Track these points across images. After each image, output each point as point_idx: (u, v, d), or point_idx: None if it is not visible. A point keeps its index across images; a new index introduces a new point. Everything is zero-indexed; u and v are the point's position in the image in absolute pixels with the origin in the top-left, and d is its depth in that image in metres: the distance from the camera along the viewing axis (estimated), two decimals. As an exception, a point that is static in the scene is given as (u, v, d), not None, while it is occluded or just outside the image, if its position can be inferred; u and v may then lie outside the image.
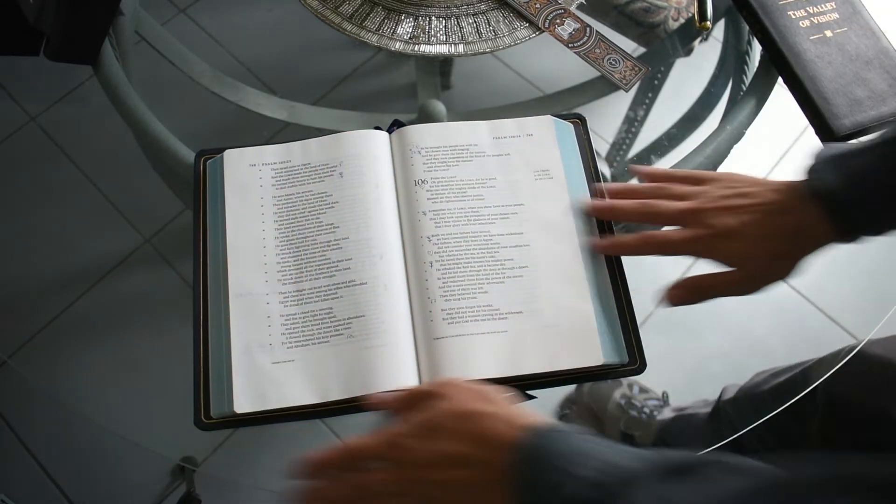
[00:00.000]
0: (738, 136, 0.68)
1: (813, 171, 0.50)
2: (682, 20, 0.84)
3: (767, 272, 0.51)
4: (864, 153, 0.49)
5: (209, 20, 1.34)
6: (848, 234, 0.49)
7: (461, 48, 0.68)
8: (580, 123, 0.61)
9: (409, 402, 0.46)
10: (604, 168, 0.98)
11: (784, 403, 0.63)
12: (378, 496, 0.43)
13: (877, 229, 0.49)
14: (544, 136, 0.60)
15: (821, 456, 0.38)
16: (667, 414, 0.97)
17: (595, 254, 0.55)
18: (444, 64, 1.12)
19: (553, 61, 1.21)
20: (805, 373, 0.74)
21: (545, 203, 0.57)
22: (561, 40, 0.69)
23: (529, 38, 0.69)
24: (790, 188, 0.50)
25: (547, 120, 0.60)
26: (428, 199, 0.56)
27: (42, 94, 1.28)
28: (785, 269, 0.51)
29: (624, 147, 1.08)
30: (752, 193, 0.51)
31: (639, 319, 0.54)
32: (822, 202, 0.48)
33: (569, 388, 1.04)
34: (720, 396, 0.88)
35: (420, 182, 0.57)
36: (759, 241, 0.50)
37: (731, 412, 0.84)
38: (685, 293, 0.53)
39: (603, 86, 0.70)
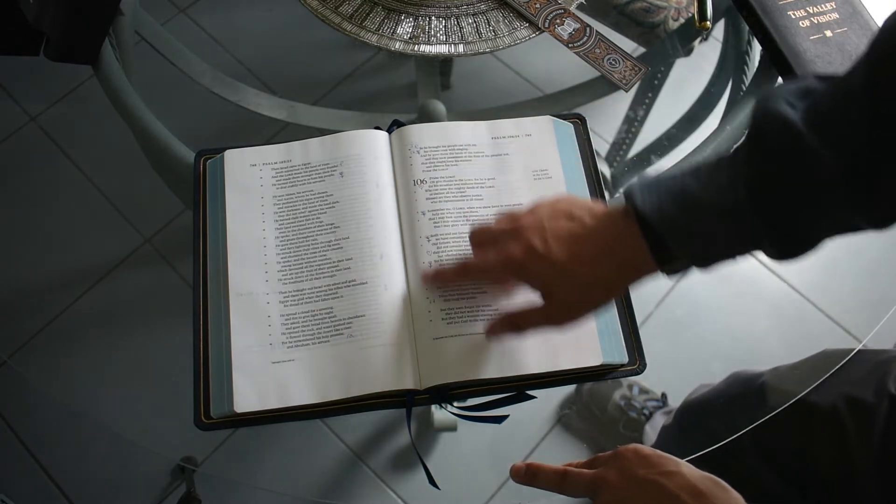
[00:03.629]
0: (738, 136, 0.68)
1: (628, 192, 0.45)
2: (682, 20, 0.84)
3: (580, 301, 0.48)
4: (680, 175, 0.44)
5: (209, 20, 1.34)
6: (666, 260, 0.44)
7: (461, 48, 0.68)
8: (580, 123, 0.61)
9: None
10: (604, 168, 0.98)
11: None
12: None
13: (698, 256, 0.44)
14: (543, 136, 0.60)
15: None
16: (657, 418, 0.98)
17: None
18: (444, 64, 1.12)
19: (553, 61, 1.21)
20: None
21: None
22: (561, 40, 0.69)
23: (529, 38, 0.69)
24: (609, 214, 0.46)
25: (546, 120, 0.60)
26: (427, 198, 0.56)
27: (42, 94, 1.28)
28: (600, 298, 0.48)
29: (624, 147, 1.08)
30: (577, 216, 0.47)
31: (639, 319, 0.54)
32: (637, 224, 0.44)
33: (569, 389, 1.05)
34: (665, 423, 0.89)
35: (419, 182, 0.57)
36: (573, 267, 0.46)
37: (668, 437, 0.86)
38: (502, 330, 0.50)
39: (603, 86, 0.70)
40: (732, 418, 0.65)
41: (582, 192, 0.58)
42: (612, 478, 0.45)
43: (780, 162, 0.40)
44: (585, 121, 0.61)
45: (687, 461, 0.46)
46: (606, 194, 0.58)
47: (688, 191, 0.43)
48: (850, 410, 0.62)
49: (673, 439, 0.83)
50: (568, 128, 0.61)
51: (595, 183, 0.58)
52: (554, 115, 0.61)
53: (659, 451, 0.46)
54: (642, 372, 0.53)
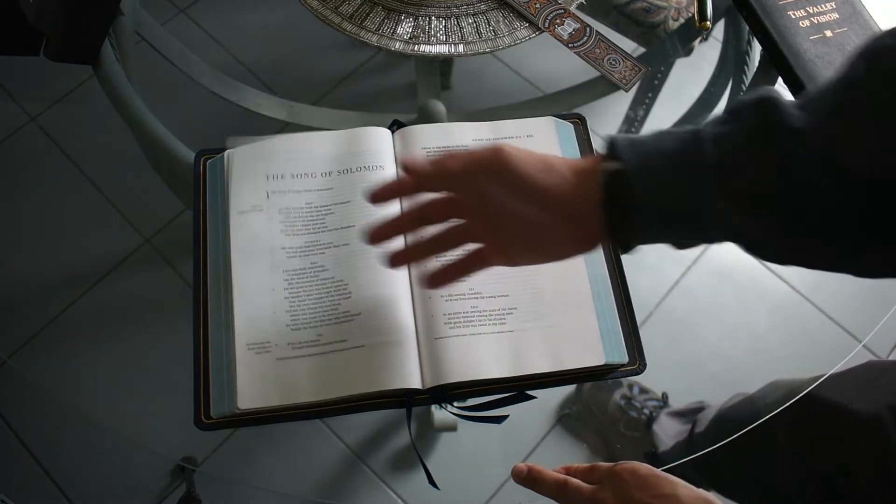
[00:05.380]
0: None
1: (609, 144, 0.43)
2: (682, 20, 0.84)
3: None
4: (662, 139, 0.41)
5: (209, 20, 1.34)
6: (620, 228, 0.42)
7: (461, 48, 0.68)
8: (580, 123, 0.61)
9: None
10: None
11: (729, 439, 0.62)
12: None
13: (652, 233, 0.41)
14: (545, 136, 0.60)
15: None
16: (663, 419, 0.98)
17: (596, 253, 0.55)
18: (444, 64, 1.12)
19: (553, 61, 1.21)
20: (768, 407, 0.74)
21: None
22: (561, 40, 0.69)
23: (529, 38, 0.69)
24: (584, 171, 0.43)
25: (548, 121, 0.60)
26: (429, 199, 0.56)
27: (42, 94, 1.28)
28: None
29: (624, 147, 1.08)
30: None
31: (639, 319, 0.54)
32: (605, 173, 0.41)
33: (569, 389, 1.04)
34: (693, 428, 0.89)
35: (420, 182, 0.57)
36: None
37: (703, 443, 0.85)
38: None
39: (603, 86, 0.70)
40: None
41: None
42: (608, 500, 0.45)
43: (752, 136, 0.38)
44: (585, 121, 0.61)
45: (716, 447, 0.46)
46: None
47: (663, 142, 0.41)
48: (894, 419, 0.62)
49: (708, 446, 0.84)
50: (568, 128, 0.61)
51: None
52: (554, 115, 0.61)
53: (656, 472, 0.46)
54: (642, 372, 0.53)
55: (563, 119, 0.61)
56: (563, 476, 0.48)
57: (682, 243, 0.42)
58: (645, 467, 0.46)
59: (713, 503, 0.43)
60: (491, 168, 0.43)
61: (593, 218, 0.42)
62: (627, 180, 0.40)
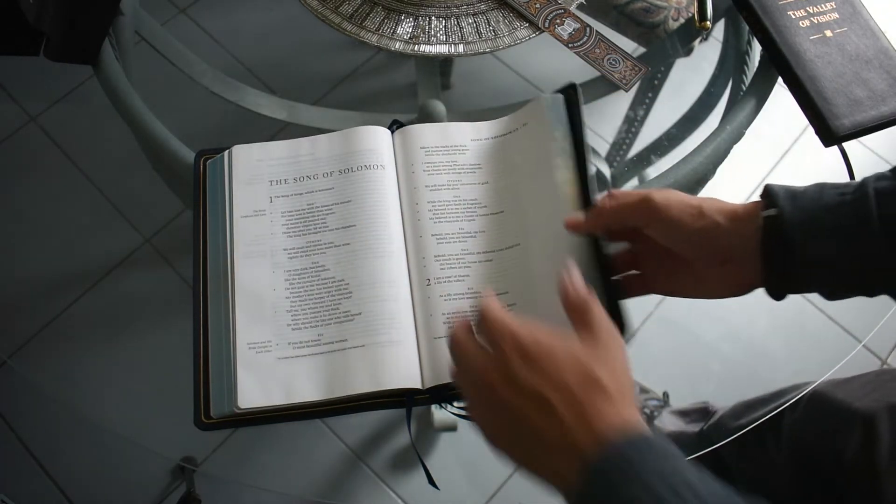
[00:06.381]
0: (738, 136, 0.68)
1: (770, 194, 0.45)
2: (682, 20, 0.84)
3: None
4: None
5: (209, 20, 1.34)
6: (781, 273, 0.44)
7: (461, 48, 0.68)
8: (573, 93, 0.56)
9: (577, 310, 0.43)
10: (604, 168, 0.98)
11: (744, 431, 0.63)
12: (466, 371, 0.41)
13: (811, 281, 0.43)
14: (538, 121, 0.56)
15: None
16: (665, 417, 0.98)
17: (593, 253, 0.55)
18: (444, 64, 1.12)
19: (553, 61, 1.22)
20: (775, 408, 0.74)
21: (544, 199, 0.56)
22: (561, 40, 0.69)
23: (529, 38, 0.69)
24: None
25: (538, 106, 0.57)
26: (429, 200, 0.56)
27: (42, 94, 1.28)
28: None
29: (624, 147, 1.08)
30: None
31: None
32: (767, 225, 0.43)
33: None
34: (707, 421, 0.89)
35: (422, 180, 0.57)
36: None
37: (712, 438, 0.86)
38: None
39: (603, 86, 0.70)
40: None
41: (570, 165, 0.55)
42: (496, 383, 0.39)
43: None
44: (577, 87, 0.56)
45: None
46: (594, 173, 0.54)
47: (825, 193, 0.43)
48: (888, 416, 0.63)
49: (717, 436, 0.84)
50: (558, 102, 0.57)
51: (581, 155, 0.54)
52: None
53: (540, 341, 0.40)
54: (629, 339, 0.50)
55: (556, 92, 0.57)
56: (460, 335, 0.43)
57: (834, 294, 0.44)
58: (534, 347, 0.40)
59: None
60: (641, 217, 0.46)
61: (748, 263, 0.44)
62: (788, 231, 0.42)
